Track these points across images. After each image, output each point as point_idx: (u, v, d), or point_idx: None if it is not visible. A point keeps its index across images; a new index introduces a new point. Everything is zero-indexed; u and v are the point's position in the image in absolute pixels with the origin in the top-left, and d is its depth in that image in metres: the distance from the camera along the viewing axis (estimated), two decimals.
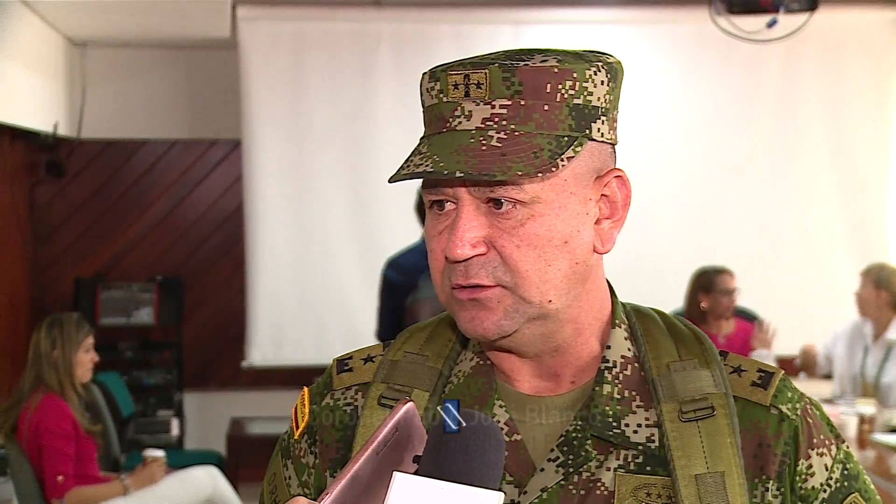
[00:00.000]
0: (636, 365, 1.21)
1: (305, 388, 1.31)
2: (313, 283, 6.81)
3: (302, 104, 6.76)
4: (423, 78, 1.17)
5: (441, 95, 1.13)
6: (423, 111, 1.18)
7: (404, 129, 6.67)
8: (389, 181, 1.14)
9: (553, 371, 1.20)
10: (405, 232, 6.72)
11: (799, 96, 6.93)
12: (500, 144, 1.09)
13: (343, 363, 1.30)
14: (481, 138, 1.10)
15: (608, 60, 1.16)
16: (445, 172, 1.08)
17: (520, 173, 1.08)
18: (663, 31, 6.90)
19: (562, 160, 1.10)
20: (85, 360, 4.73)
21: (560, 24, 6.88)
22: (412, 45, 6.77)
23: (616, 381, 1.19)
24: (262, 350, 6.83)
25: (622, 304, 1.25)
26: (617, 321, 1.23)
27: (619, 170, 1.19)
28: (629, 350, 1.22)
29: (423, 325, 1.30)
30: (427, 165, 1.09)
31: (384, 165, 6.71)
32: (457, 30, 6.77)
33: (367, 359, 1.29)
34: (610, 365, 1.20)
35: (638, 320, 1.24)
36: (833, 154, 6.94)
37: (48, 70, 6.48)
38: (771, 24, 5.36)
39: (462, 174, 1.07)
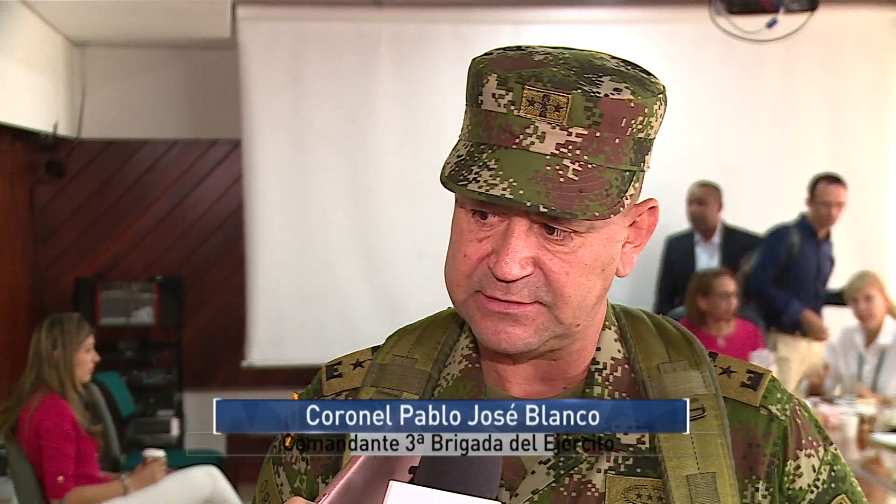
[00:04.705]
0: (626, 366, 1.21)
1: (295, 395, 1.31)
2: (313, 283, 6.81)
3: (302, 104, 6.76)
4: (485, 78, 1.11)
5: (512, 107, 1.08)
6: (477, 111, 1.12)
7: (404, 128, 6.68)
8: (449, 189, 1.09)
9: (548, 376, 1.21)
10: (405, 231, 6.73)
11: (799, 96, 6.93)
12: (576, 178, 1.07)
13: (332, 369, 1.30)
14: (557, 167, 1.07)
15: (663, 89, 1.15)
16: (528, 204, 1.05)
17: (597, 214, 1.07)
18: (663, 31, 6.90)
19: (626, 198, 1.10)
20: (85, 359, 4.73)
21: (560, 24, 6.87)
22: (412, 45, 6.76)
23: (606, 383, 1.20)
24: (262, 350, 6.83)
25: (612, 305, 1.26)
26: (607, 323, 1.23)
27: (654, 201, 1.19)
28: (619, 352, 1.22)
29: (412, 327, 1.30)
30: (504, 189, 1.05)
31: (384, 165, 6.72)
32: (457, 30, 6.77)
33: (357, 364, 1.29)
34: (600, 367, 1.20)
35: (627, 322, 1.25)
36: (833, 154, 6.93)
37: (48, 70, 6.48)
38: (771, 24, 5.37)
39: (546, 209, 1.05)
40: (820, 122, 6.94)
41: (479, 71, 1.12)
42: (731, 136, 6.92)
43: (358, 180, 6.78)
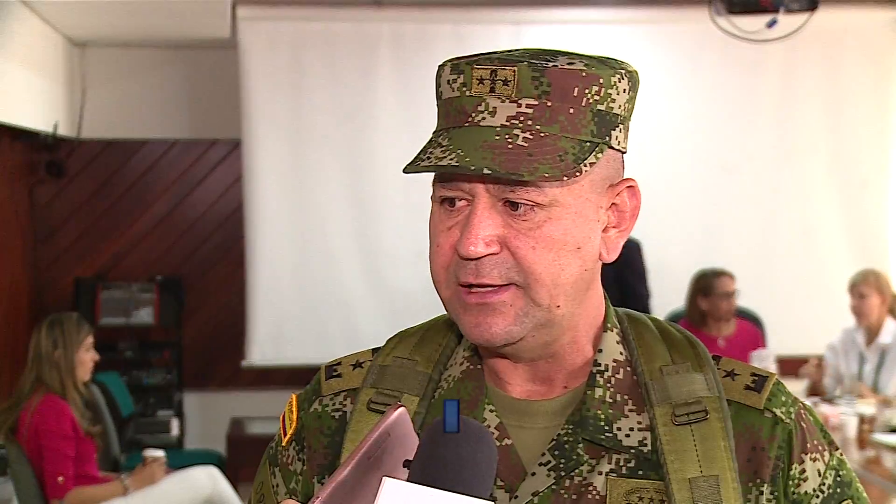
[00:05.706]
0: (628, 368, 1.20)
1: (293, 395, 1.31)
2: (313, 283, 6.81)
3: (302, 104, 6.76)
4: (442, 69, 1.15)
5: (464, 89, 1.12)
6: (440, 103, 1.16)
7: (404, 128, 6.68)
8: (406, 171, 1.12)
9: (546, 376, 1.20)
10: (405, 231, 6.73)
11: (799, 96, 6.93)
12: (525, 144, 1.08)
13: (332, 369, 1.29)
14: (507, 136, 1.08)
15: (629, 69, 1.16)
16: (472, 168, 1.06)
17: (546, 175, 1.07)
18: (663, 31, 6.90)
19: (585, 165, 1.10)
20: (86, 359, 4.73)
21: (560, 24, 6.88)
22: (412, 45, 6.76)
23: (608, 385, 1.19)
24: (262, 350, 6.83)
25: (614, 308, 1.25)
26: (609, 325, 1.22)
27: (631, 180, 1.19)
28: (621, 354, 1.21)
29: (413, 330, 1.29)
30: (452, 159, 1.08)
31: (384, 165, 6.72)
32: (457, 30, 6.77)
33: (356, 364, 1.28)
34: (602, 368, 1.20)
35: (630, 325, 1.24)
36: (833, 154, 6.94)
37: (48, 70, 6.48)
38: (771, 24, 5.37)
39: (490, 171, 1.06)
40: (820, 122, 6.94)
41: (440, 68, 1.16)
42: (730, 136, 6.92)
43: (358, 180, 6.78)
